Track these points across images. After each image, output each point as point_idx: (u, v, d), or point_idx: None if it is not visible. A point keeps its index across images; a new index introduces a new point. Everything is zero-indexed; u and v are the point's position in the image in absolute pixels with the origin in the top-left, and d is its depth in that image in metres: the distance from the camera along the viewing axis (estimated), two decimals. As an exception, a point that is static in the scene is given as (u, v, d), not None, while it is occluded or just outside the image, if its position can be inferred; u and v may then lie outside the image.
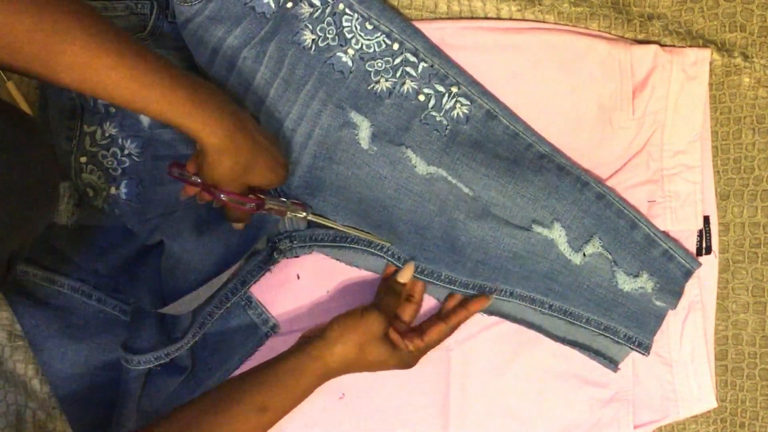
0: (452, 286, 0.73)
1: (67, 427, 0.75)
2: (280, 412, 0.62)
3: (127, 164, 0.71)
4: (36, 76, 0.51)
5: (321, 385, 0.65)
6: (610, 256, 0.72)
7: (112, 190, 0.71)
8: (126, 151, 0.71)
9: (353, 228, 0.72)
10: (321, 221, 0.71)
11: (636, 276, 0.72)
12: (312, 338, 0.66)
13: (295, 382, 0.63)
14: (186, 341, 0.71)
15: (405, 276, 0.72)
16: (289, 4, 0.70)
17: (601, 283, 0.73)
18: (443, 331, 0.70)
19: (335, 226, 0.72)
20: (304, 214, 0.69)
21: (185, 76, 0.56)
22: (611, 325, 0.73)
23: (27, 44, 0.48)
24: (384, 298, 0.70)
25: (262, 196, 0.64)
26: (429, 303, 0.76)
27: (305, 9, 0.70)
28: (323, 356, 0.64)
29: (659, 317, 0.73)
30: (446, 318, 0.71)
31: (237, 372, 0.76)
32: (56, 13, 0.49)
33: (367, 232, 0.72)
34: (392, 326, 0.68)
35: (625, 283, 0.73)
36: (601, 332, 0.74)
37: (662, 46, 0.73)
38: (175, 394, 0.75)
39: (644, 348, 0.74)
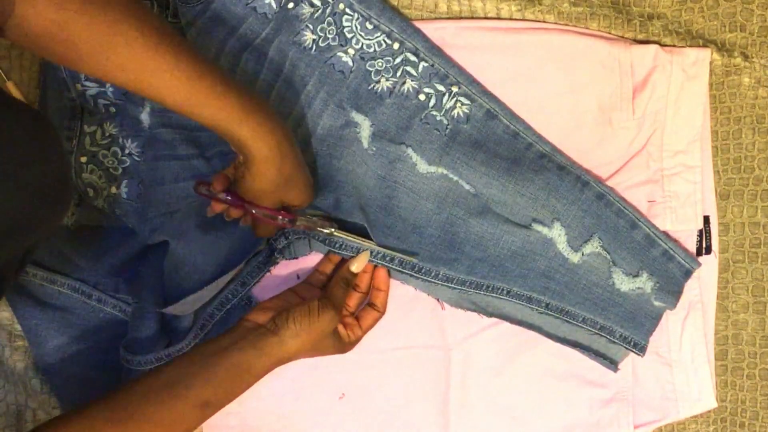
0: (449, 284, 0.73)
1: (67, 427, 0.75)
2: (221, 406, 0.60)
3: (128, 164, 0.71)
4: (90, 72, 0.51)
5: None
6: (608, 256, 0.72)
7: (113, 190, 0.71)
8: (126, 151, 0.71)
9: (379, 244, 0.72)
10: (347, 237, 0.71)
11: (636, 276, 0.73)
12: (261, 330, 0.62)
13: (243, 379, 0.61)
14: (187, 342, 0.71)
15: (359, 266, 0.71)
16: (290, 5, 0.70)
17: (598, 282, 0.73)
18: (377, 317, 0.72)
19: (362, 242, 0.71)
20: (332, 230, 0.69)
21: (237, 83, 0.56)
22: (607, 325, 0.73)
23: (85, 42, 0.49)
24: (335, 289, 0.69)
25: (293, 213, 0.65)
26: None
27: (306, 9, 0.70)
28: (275, 353, 0.62)
29: (655, 318, 0.73)
30: (376, 304, 0.72)
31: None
32: (116, 13, 0.49)
33: (392, 248, 0.72)
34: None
35: (623, 283, 0.73)
36: (597, 332, 0.74)
37: (662, 46, 0.73)
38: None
39: (639, 349, 0.74)
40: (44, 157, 0.48)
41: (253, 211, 0.62)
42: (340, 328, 0.69)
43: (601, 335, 0.74)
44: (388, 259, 0.72)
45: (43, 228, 0.50)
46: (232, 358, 0.60)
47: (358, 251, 0.72)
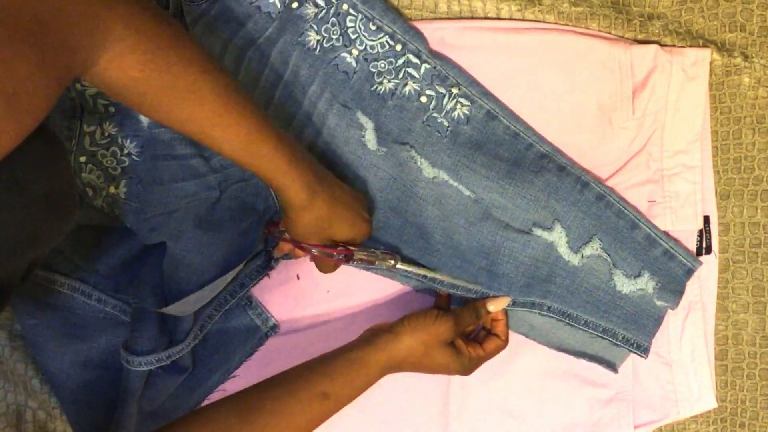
0: (454, 291, 0.73)
1: (67, 427, 0.75)
2: (342, 400, 0.63)
3: (127, 164, 0.71)
4: (156, 119, 0.54)
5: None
6: (608, 258, 0.72)
7: (112, 190, 0.71)
8: (126, 151, 0.71)
9: (446, 275, 0.72)
10: (412, 269, 0.71)
11: (637, 276, 0.73)
12: (379, 331, 0.66)
13: (359, 373, 0.64)
14: (187, 343, 0.71)
15: (498, 305, 0.72)
16: (294, 5, 0.70)
17: (599, 285, 0.73)
18: (500, 346, 0.72)
19: (429, 273, 0.72)
20: (393, 262, 0.70)
21: (285, 135, 0.59)
22: (610, 328, 0.73)
23: (161, 97, 0.51)
24: (463, 315, 0.70)
25: (351, 248, 0.66)
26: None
27: (310, 9, 0.70)
28: (389, 349, 0.65)
29: (657, 319, 0.73)
30: (497, 333, 0.72)
31: (237, 370, 0.77)
32: (196, 72, 0.52)
33: (459, 278, 0.73)
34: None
35: (624, 285, 0.73)
36: (599, 334, 0.74)
37: (662, 46, 0.73)
38: (175, 394, 0.75)
39: (643, 350, 0.74)
40: (51, 170, 0.49)
41: (313, 251, 0.65)
42: (460, 343, 0.69)
43: (604, 338, 0.74)
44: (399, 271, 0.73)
45: (48, 240, 0.51)
46: (348, 354, 0.64)
47: (379, 269, 0.72)
